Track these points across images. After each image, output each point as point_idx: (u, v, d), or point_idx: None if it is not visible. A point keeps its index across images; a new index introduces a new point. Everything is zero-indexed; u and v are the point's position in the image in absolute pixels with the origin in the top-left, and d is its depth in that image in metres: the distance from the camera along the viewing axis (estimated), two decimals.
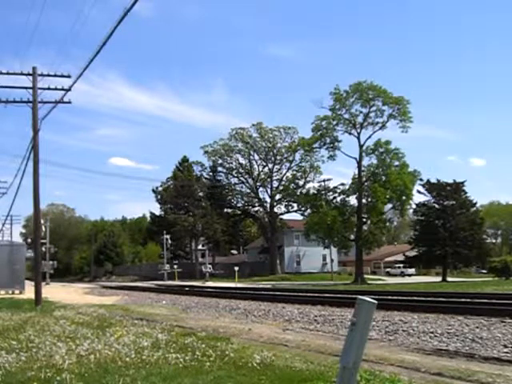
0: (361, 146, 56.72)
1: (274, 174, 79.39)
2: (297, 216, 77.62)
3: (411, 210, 62.74)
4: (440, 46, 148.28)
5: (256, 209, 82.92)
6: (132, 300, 24.01)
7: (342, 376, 3.54)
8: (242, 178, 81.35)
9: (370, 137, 56.72)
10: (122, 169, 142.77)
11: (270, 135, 77.21)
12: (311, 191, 63.56)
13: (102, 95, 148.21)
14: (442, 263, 60.97)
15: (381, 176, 55.26)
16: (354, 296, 15.41)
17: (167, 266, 68.47)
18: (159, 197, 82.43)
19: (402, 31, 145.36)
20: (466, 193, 61.21)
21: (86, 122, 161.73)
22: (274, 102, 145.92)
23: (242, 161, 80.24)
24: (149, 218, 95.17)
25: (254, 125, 77.45)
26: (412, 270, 73.37)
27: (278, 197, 79.27)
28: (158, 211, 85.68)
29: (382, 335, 9.80)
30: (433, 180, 61.42)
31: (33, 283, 21.28)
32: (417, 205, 61.46)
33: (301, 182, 75.21)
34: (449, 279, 57.07)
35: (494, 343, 8.31)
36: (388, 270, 78.97)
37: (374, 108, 55.95)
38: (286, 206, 78.92)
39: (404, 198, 54.60)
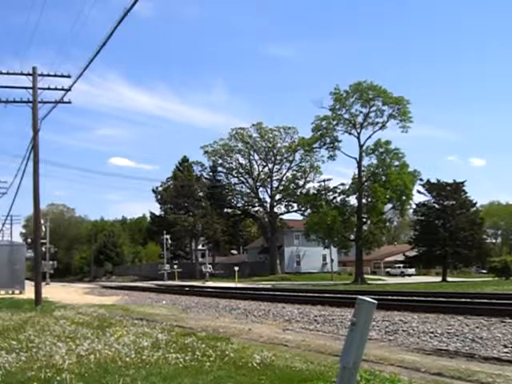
0: (361, 146, 56.78)
1: (274, 174, 79.49)
2: (297, 216, 77.79)
3: (411, 210, 62.86)
4: (440, 46, 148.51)
5: (256, 209, 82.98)
6: (132, 300, 24.01)
7: (342, 376, 3.54)
8: (242, 178, 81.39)
9: (370, 137, 56.86)
10: (122, 169, 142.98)
11: (270, 135, 77.23)
12: (311, 191, 63.60)
13: (102, 95, 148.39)
14: (442, 263, 60.97)
15: (381, 176, 55.26)
16: (353, 296, 15.42)
17: (167, 266, 68.46)
18: (159, 197, 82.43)
19: (402, 31, 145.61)
20: (466, 193, 61.27)
21: (86, 121, 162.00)
22: (274, 102, 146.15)
23: (242, 161, 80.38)
24: (149, 218, 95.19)
25: (254, 125, 77.56)
26: (412, 270, 73.37)
27: (278, 197, 79.34)
28: (158, 211, 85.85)
29: (381, 335, 9.79)
30: (433, 180, 61.54)
31: (33, 283, 21.28)
32: (417, 205, 61.52)
33: (301, 182, 75.34)
34: (449, 279, 57.07)
35: (494, 343, 8.31)
36: (388, 269, 78.96)
37: (374, 108, 56.04)
38: (286, 205, 79.02)
39: (404, 197, 54.61)
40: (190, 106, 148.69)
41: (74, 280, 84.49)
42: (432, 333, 9.63)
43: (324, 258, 74.00)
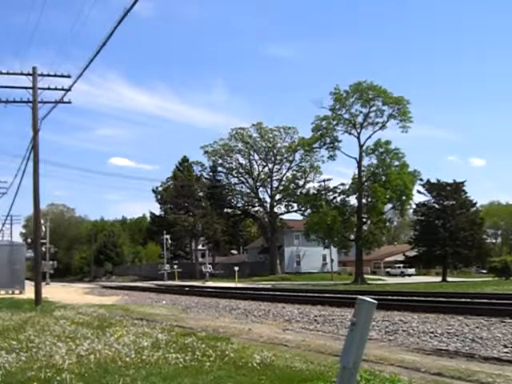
0: (361, 146, 56.78)
1: (274, 174, 79.49)
2: (297, 216, 77.78)
3: (411, 210, 62.86)
4: (440, 46, 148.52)
5: (256, 209, 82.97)
6: (132, 300, 24.01)
7: (342, 376, 3.54)
8: (242, 178, 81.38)
9: (369, 137, 56.86)
10: (122, 169, 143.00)
11: (270, 135, 77.23)
12: (311, 191, 63.59)
13: (102, 95, 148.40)
14: (442, 263, 60.97)
15: (381, 176, 55.26)
16: (353, 296, 15.41)
17: (167, 266, 68.46)
18: (159, 197, 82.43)
19: (402, 31, 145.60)
20: (466, 193, 61.27)
21: (86, 121, 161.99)
22: (274, 102, 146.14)
23: (242, 161, 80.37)
24: (149, 218, 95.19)
25: (254, 125, 77.55)
26: (412, 270, 73.38)
27: (278, 197, 79.33)
28: (158, 211, 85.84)
29: (382, 335, 9.79)
30: (433, 180, 61.54)
31: (33, 283, 21.27)
32: (417, 205, 61.52)
33: (301, 182, 75.35)
34: (449, 279, 57.07)
35: (494, 343, 8.31)
36: (388, 269, 78.96)
37: (374, 108, 56.04)
38: (286, 206, 79.02)
39: (404, 198, 54.61)
40: (189, 106, 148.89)
41: (73, 280, 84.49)
42: (432, 333, 9.63)
43: (324, 258, 74.00)
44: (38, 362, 6.54)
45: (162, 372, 5.87)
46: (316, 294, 22.17)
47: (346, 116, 57.13)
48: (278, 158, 78.12)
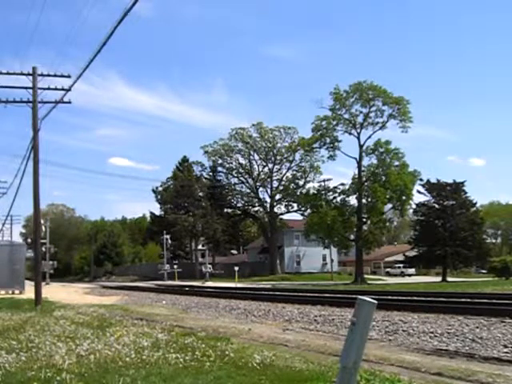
0: (361, 146, 56.78)
1: (274, 174, 79.42)
2: (297, 216, 77.73)
3: (411, 210, 62.81)
4: (440, 46, 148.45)
5: (256, 209, 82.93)
6: (132, 300, 24.00)
7: (342, 376, 3.53)
8: (242, 178, 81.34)
9: (369, 137, 56.84)
10: (122, 169, 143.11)
11: (270, 135, 77.18)
12: (311, 191, 63.50)
13: (102, 95, 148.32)
14: (442, 263, 60.94)
15: (381, 176, 55.25)
16: (353, 296, 15.42)
17: (167, 266, 68.42)
18: (159, 197, 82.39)
19: (402, 31, 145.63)
20: (465, 193, 61.28)
21: (86, 122, 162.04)
22: (274, 102, 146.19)
23: (241, 161, 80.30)
24: (149, 218, 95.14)
25: (254, 125, 77.47)
26: (412, 270, 73.36)
27: (278, 197, 79.28)
28: (158, 211, 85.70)
29: (382, 335, 9.79)
30: (433, 180, 61.54)
31: (33, 283, 21.26)
32: (417, 205, 61.50)
33: (301, 182, 75.35)
34: (449, 279, 57.07)
35: (494, 343, 8.31)
36: (388, 269, 78.95)
37: (374, 108, 56.03)
38: (286, 206, 78.96)
39: (404, 198, 54.60)
40: (190, 106, 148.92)
41: (73, 280, 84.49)
42: (432, 333, 9.63)
43: (324, 258, 73.99)
44: (38, 362, 6.54)
45: (162, 372, 5.87)
46: (316, 294, 22.18)
47: (346, 116, 57.19)
48: (278, 158, 78.10)
